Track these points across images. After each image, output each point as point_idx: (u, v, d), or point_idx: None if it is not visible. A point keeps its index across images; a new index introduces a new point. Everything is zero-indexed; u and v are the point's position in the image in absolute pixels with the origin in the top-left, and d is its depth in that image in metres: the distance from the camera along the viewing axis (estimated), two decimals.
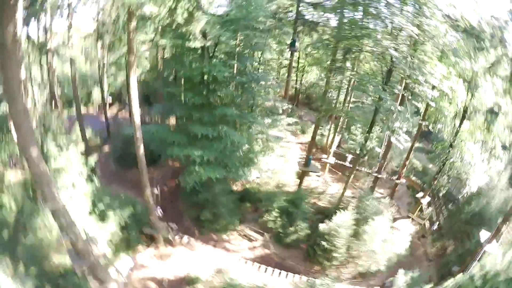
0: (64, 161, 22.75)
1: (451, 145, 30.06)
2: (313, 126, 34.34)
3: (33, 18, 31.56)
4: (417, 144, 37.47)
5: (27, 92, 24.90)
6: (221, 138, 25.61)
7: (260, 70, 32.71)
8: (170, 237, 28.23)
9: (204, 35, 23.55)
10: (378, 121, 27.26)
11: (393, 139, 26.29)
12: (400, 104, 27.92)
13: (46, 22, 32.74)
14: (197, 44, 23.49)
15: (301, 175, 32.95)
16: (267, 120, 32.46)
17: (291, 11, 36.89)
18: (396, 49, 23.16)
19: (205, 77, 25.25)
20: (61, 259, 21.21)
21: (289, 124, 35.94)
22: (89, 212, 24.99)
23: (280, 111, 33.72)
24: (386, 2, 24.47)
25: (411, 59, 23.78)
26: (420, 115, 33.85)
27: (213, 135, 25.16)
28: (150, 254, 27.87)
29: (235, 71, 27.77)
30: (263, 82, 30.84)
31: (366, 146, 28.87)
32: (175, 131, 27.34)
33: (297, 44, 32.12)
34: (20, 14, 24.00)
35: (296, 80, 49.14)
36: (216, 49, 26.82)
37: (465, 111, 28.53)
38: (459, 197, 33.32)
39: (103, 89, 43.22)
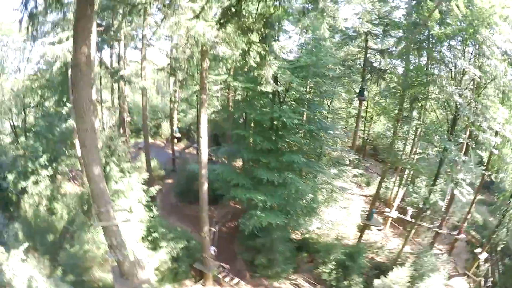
0: (125, 185, 23.34)
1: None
2: (379, 178, 33.45)
3: (106, 45, 33.64)
4: (479, 197, 35.18)
5: (96, 113, 26.20)
6: (285, 184, 25.39)
7: (328, 119, 32.53)
8: (220, 277, 27.98)
9: (275, 80, 23.87)
10: (443, 173, 25.94)
11: (456, 192, 24.92)
12: (464, 154, 26.86)
13: (120, 51, 34.73)
14: (268, 88, 23.86)
15: (362, 228, 31.75)
16: (333, 170, 31.84)
17: (359, 58, 36.99)
18: (460, 95, 22.32)
19: (275, 122, 25.44)
20: (103, 275, 22.03)
21: (354, 176, 35.21)
22: (142, 238, 25.41)
23: (347, 162, 33.07)
24: (448, 44, 24.11)
25: (475, 104, 22.84)
26: (483, 165, 31.96)
27: (279, 181, 25.02)
28: None
29: (304, 118, 27.78)
30: (331, 131, 30.45)
31: (429, 200, 27.59)
32: (241, 174, 27.56)
33: (365, 92, 31.80)
34: (94, 37, 25.64)
35: (364, 130, 48.41)
36: (286, 95, 27.10)
37: None
38: None
39: (173, 123, 44.69)
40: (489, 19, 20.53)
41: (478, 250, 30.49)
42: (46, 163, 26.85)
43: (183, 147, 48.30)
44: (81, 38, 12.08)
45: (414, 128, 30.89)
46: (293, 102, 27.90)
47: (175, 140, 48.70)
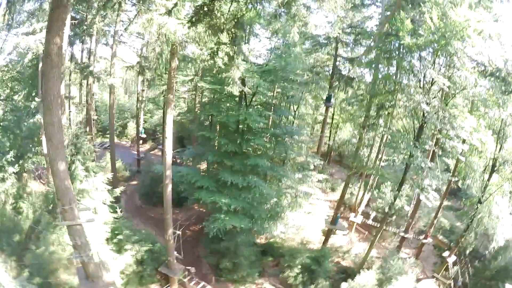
0: (90, 185, 22.58)
1: (479, 201, 29.00)
2: (343, 184, 33.75)
3: (78, 39, 32.81)
4: (446, 202, 36.18)
5: (64, 109, 25.50)
6: (250, 188, 25.27)
7: (295, 124, 32.63)
8: (185, 280, 27.57)
9: (243, 82, 23.78)
10: (408, 179, 26.40)
11: (422, 197, 25.37)
12: (431, 161, 27.21)
13: (91, 46, 33.94)
14: (235, 90, 23.74)
15: (327, 233, 31.97)
16: (298, 175, 31.93)
17: (328, 66, 37.26)
18: (428, 104, 22.78)
19: (240, 125, 25.35)
20: (68, 277, 21.25)
21: (319, 181, 35.38)
22: (107, 240, 24.62)
23: (312, 167, 33.22)
24: (419, 55, 24.51)
25: (443, 113, 23.33)
26: (450, 172, 32.80)
27: (243, 184, 24.90)
28: None
29: (270, 123, 27.79)
30: (297, 136, 30.71)
31: (395, 205, 28.02)
32: (205, 176, 27.20)
33: (332, 99, 32.08)
34: (67, 29, 24.82)
35: (330, 136, 48.66)
36: (253, 99, 26.98)
37: (494, 164, 27.84)
38: (486, 254, 31.91)
39: (139, 123, 43.94)
40: (462, 32, 20.92)
41: (446, 253, 31.27)
42: (13, 159, 25.83)
43: (148, 148, 47.54)
44: (54, 28, 11.62)
45: (380, 135, 31.41)
46: (259, 106, 27.94)
47: (141, 141, 47.91)
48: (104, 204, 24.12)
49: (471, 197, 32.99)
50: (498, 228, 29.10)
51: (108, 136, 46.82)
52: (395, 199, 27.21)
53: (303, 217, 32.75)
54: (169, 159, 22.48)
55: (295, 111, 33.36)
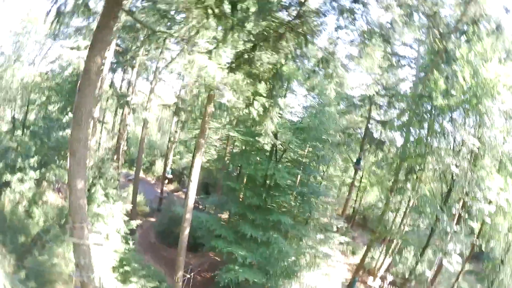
0: (106, 211, 22.32)
1: (502, 262, 27.50)
2: (365, 247, 32.65)
3: (120, 68, 33.69)
4: (467, 266, 34.05)
5: (95, 130, 25.86)
6: (269, 243, 24.66)
7: (322, 184, 32.11)
8: None
9: (275, 136, 23.71)
10: (432, 244, 25.22)
11: (444, 262, 24.14)
12: (456, 224, 25.93)
13: (131, 77, 34.77)
14: (267, 144, 23.63)
15: None
16: (320, 236, 30.91)
17: (360, 127, 36.95)
18: (457, 166, 22.00)
19: (267, 180, 25.02)
20: None
21: (340, 243, 34.30)
22: (113, 268, 23.67)
23: (334, 229, 32.24)
24: (450, 116, 23.95)
25: (471, 175, 22.44)
26: (474, 235, 31.18)
27: (262, 239, 24.38)
28: None
29: (297, 181, 27.37)
30: (323, 197, 30.16)
31: (415, 270, 26.65)
32: (225, 226, 26.87)
33: (362, 162, 31.64)
34: (110, 53, 25.35)
35: (356, 199, 47.60)
36: (283, 155, 26.89)
37: None
38: None
39: (167, 163, 44.17)
40: (493, 89, 20.62)
41: None
42: (36, 165, 26.05)
43: (172, 189, 47.42)
44: (98, 47, 11.73)
45: (407, 199, 30.36)
46: (289, 163, 27.57)
47: (166, 181, 47.76)
48: (118, 233, 23.69)
49: (494, 259, 30.89)
50: None
51: (134, 168, 47.31)
52: (416, 264, 26.03)
53: (320, 278, 31.49)
54: (191, 202, 22.41)
55: (324, 171, 32.84)
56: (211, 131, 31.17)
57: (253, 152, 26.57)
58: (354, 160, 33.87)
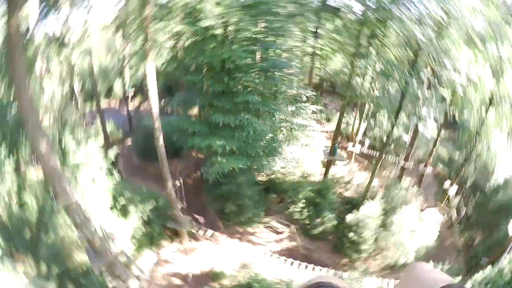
0: (83, 156, 22.01)
1: (477, 134, 28.43)
2: (338, 114, 32.89)
3: (52, 10, 30.84)
4: (443, 134, 35.33)
5: (44, 88, 24.30)
6: (243, 127, 24.40)
7: (283, 57, 31.15)
8: (194, 231, 27.33)
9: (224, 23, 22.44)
10: (405, 108, 25.38)
11: (420, 127, 24.57)
12: (427, 89, 26.14)
13: (63, 15, 32.00)
14: (216, 27, 22.34)
15: (327, 164, 31.50)
16: (291, 108, 30.98)
17: None
18: (422, 34, 21.49)
19: (227, 64, 23.73)
20: (83, 258, 20.62)
21: (313, 112, 34.41)
22: (111, 208, 24.39)
23: (304, 99, 32.13)
24: None
25: (438, 43, 22.05)
26: (446, 103, 31.81)
27: (235, 123, 24.03)
28: (174, 249, 27.26)
29: (258, 58, 26.40)
30: (286, 69, 29.35)
31: (392, 134, 27.21)
32: (196, 121, 26.33)
33: (320, 30, 30.66)
34: (34, 7, 23.14)
35: (320, 67, 46.45)
36: (236, 36, 25.45)
37: (491, 99, 26.80)
38: (487, 187, 30.95)
39: (124, 82, 42.41)
40: None
41: (446, 184, 30.81)
42: (5, 153, 24.81)
43: (138, 105, 45.88)
44: (11, 9, 10.77)
45: (373, 65, 29.93)
46: (244, 42, 26.18)
47: (129, 99, 46.50)
48: (101, 171, 23.59)
49: (469, 129, 31.91)
50: (498, 164, 28.52)
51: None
52: (392, 127, 26.39)
53: (302, 150, 32.08)
54: (155, 110, 21.53)
55: (281, 44, 31.62)
56: (158, 33, 29.17)
57: (205, 41, 25.14)
58: (312, 30, 32.68)
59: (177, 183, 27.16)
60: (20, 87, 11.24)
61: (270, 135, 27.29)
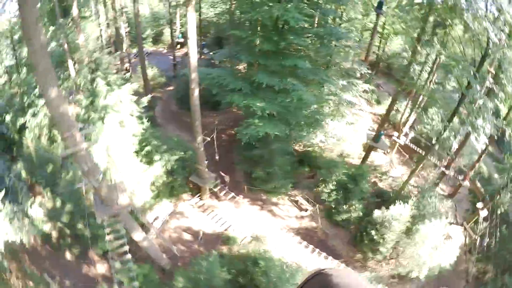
0: (114, 99, 20.83)
1: None
2: (390, 98, 29.82)
3: None
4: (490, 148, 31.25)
5: (79, 29, 23.44)
6: (287, 91, 21.94)
7: (342, 27, 28.04)
8: (216, 190, 26.07)
9: None
10: (460, 113, 21.84)
11: (472, 138, 21.26)
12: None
13: None
14: None
15: (368, 149, 28.74)
16: (342, 82, 27.98)
17: None
18: (495, 35, 17.96)
19: (279, 24, 21.19)
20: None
21: (365, 91, 31.40)
22: (136, 153, 23.43)
23: (358, 75, 29.07)
24: None
25: (507, 50, 18.49)
26: (500, 119, 27.67)
27: (280, 87, 21.56)
28: (193, 204, 26.10)
29: (315, 23, 23.56)
30: (344, 40, 25.98)
31: (442, 135, 23.88)
32: (239, 78, 23.86)
33: (384, 7, 27.36)
34: None
35: (379, 46, 42.63)
36: None
37: None
38: None
39: (173, 29, 40.39)
40: None
41: (479, 204, 27.14)
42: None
43: (185, 52, 43.64)
44: None
45: (434, 55, 26.15)
46: (302, 4, 22.33)
47: (178, 46, 44.86)
48: (132, 115, 22.33)
49: None
50: None
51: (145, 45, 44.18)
52: (444, 130, 22.86)
53: (345, 128, 29.36)
54: (193, 61, 19.66)
55: (342, 13, 28.30)
56: None
57: None
58: (376, 4, 29.16)
59: (207, 139, 25.44)
60: (30, 31, 10.15)
61: (315, 106, 24.67)
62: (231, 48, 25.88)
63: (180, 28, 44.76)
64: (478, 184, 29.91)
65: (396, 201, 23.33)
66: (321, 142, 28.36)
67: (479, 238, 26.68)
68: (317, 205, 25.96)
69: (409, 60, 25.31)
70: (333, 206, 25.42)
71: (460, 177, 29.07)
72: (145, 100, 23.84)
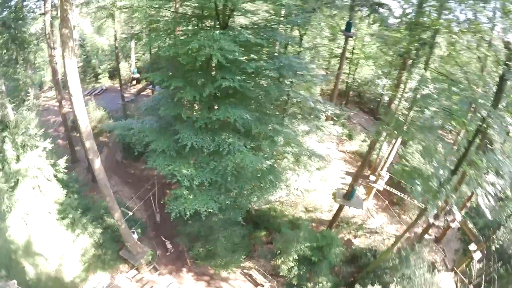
0: (27, 164, 15.40)
1: None
2: (363, 132, 22.38)
3: None
4: None
5: None
6: (221, 153, 14.10)
7: (302, 55, 20.10)
8: (146, 269, 19.09)
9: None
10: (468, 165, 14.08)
11: (480, 199, 13.59)
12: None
13: None
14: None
15: (338, 209, 20.58)
16: (304, 127, 20.06)
17: None
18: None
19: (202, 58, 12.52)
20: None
21: (334, 135, 23.64)
22: (61, 220, 17.08)
23: (323, 117, 20.69)
24: None
25: None
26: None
27: (209, 149, 13.85)
28: (131, 277, 18.76)
29: (263, 54, 15.92)
30: (302, 72, 16.60)
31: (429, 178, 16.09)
32: (162, 132, 15.84)
33: (353, 29, 20.29)
34: None
35: (349, 73, 34.14)
36: (229, 19, 14.49)
37: None
38: None
39: (119, 64, 32.41)
40: None
41: (472, 247, 20.38)
42: None
43: (139, 89, 35.64)
44: None
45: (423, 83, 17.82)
46: (243, 29, 14.75)
47: (134, 82, 37.04)
48: (49, 180, 16.48)
49: None
50: None
51: (102, 80, 36.91)
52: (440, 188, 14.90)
53: (310, 178, 21.66)
54: (83, 125, 12.67)
55: (301, 38, 19.63)
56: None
57: (182, 23, 14.83)
58: (343, 28, 21.64)
59: (129, 213, 19.25)
60: None
61: (268, 162, 16.43)
62: (153, 98, 18.37)
63: (136, 62, 37.16)
64: (471, 226, 22.45)
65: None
66: (281, 198, 20.73)
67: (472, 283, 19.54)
68: (274, 282, 18.36)
69: (391, 95, 17.89)
70: (295, 283, 17.61)
71: (449, 218, 21.29)
72: (61, 162, 17.51)
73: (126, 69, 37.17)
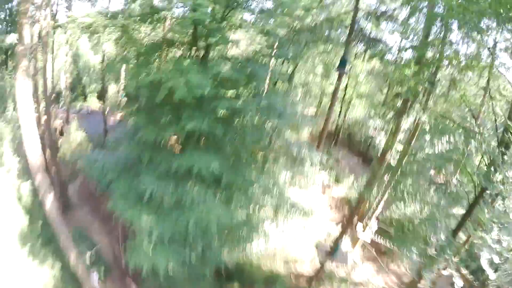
0: None
1: None
2: (350, 175, 22.68)
3: None
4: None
5: None
6: (183, 207, 11.86)
7: (296, 93, 17.89)
8: None
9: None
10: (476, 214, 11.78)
11: (483, 260, 11.46)
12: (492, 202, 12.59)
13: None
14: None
15: (320, 268, 18.20)
16: (286, 174, 17.48)
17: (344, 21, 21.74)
18: None
19: (165, 95, 10.66)
20: None
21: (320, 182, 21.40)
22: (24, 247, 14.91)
23: (308, 164, 17.95)
24: None
25: None
26: None
27: (171, 200, 11.64)
28: None
29: (241, 90, 13.83)
30: (285, 111, 14.41)
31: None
32: (126, 171, 13.60)
33: (347, 65, 18.57)
34: None
35: (340, 113, 32.05)
36: (210, 49, 12.49)
37: None
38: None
39: (105, 87, 31.07)
40: None
41: None
42: None
43: (122, 115, 33.46)
44: None
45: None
46: (229, 60, 13.20)
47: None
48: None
49: None
50: None
51: (89, 100, 34.89)
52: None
53: (290, 229, 19.24)
54: (32, 157, 10.27)
55: (292, 74, 17.45)
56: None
57: (151, 54, 12.81)
58: (337, 64, 19.86)
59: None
60: None
61: (241, 216, 14.06)
62: (123, 130, 16.26)
63: (124, 87, 35.26)
64: (464, 272, 19.94)
65: None
66: (258, 250, 18.22)
67: None
68: None
69: (387, 143, 15.88)
70: None
71: (441, 266, 18.89)
72: (25, 186, 16.29)
73: (115, 92, 35.06)
